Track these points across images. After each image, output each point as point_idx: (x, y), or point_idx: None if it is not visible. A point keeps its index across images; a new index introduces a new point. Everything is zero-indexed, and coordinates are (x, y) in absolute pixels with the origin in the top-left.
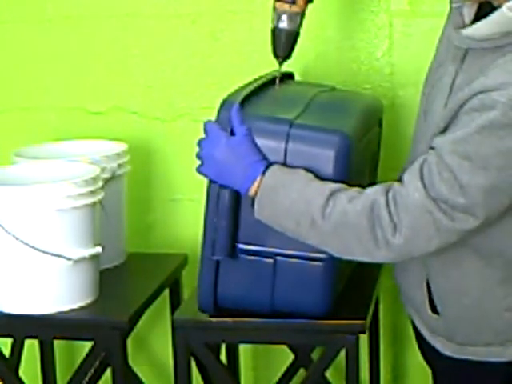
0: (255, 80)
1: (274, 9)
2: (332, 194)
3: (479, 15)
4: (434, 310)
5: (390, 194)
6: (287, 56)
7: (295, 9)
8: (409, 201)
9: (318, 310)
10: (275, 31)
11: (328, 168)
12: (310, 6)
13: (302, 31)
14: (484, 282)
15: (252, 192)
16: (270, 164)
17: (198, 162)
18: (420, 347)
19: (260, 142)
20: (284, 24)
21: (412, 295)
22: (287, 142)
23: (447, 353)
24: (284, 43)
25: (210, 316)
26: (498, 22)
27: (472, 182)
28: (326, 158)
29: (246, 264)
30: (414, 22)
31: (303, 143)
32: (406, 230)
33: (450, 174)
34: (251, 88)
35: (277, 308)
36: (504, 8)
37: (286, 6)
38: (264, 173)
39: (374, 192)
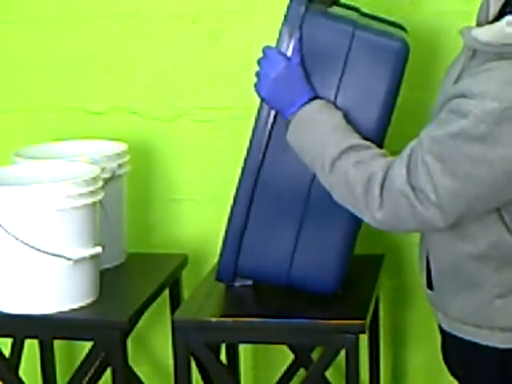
0: None
1: None
2: (348, 149)
3: (502, 12)
4: (430, 285)
5: (387, 173)
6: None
7: None
8: (392, 184)
9: (328, 287)
10: None
11: (385, 72)
12: None
13: None
14: (479, 268)
15: (290, 117)
16: (315, 97)
17: (255, 80)
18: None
19: (326, 37)
20: None
21: (421, 271)
22: (352, 40)
23: (444, 326)
24: None
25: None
26: (496, 33)
27: (441, 184)
28: (386, 59)
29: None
30: (415, 22)
31: (367, 40)
32: (387, 210)
33: (426, 170)
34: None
35: (292, 279)
36: (504, 21)
37: None
38: (305, 104)
39: (377, 164)
